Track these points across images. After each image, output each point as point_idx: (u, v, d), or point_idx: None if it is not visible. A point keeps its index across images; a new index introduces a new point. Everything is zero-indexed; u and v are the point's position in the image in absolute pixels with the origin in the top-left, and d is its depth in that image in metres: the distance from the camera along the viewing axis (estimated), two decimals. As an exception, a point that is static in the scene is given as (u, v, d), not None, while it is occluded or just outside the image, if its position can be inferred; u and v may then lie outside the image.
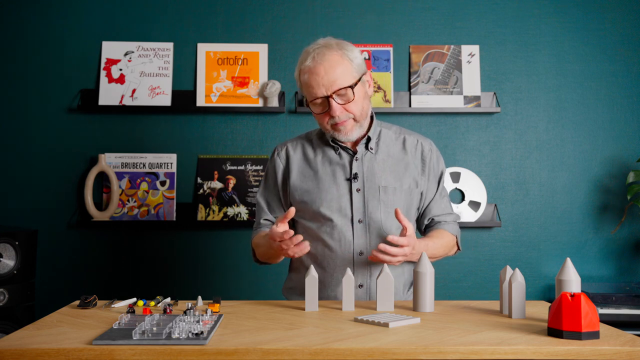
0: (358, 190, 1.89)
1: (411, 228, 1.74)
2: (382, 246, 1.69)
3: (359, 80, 1.84)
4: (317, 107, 1.84)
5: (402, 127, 2.05)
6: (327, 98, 1.80)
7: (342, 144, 1.92)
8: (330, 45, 1.83)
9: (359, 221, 1.87)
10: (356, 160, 1.91)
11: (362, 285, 1.86)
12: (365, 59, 2.09)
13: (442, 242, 1.91)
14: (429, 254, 1.85)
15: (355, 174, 1.89)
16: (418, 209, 1.98)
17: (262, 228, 2.00)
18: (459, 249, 2.03)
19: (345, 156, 1.92)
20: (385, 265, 1.65)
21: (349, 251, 1.86)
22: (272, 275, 3.08)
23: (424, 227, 2.01)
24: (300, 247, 1.70)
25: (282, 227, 1.74)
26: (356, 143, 1.94)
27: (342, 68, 1.80)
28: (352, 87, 1.81)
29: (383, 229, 1.87)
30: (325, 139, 1.96)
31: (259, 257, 1.99)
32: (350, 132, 1.86)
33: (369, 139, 1.92)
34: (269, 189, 2.01)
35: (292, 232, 1.67)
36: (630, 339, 1.32)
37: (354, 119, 1.85)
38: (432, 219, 1.98)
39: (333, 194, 1.88)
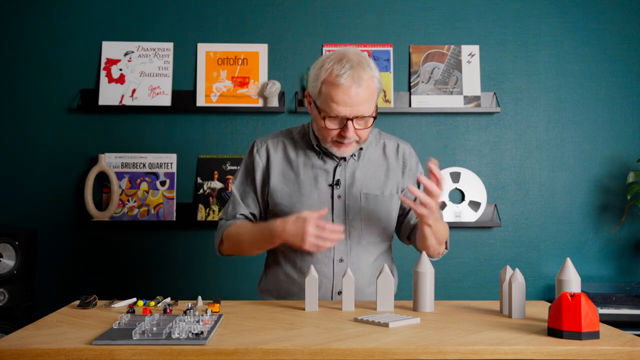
0: (339, 197, 1.87)
1: (438, 192, 1.71)
2: (418, 193, 1.68)
3: (376, 106, 1.82)
4: (332, 123, 1.78)
5: (382, 130, 2.02)
6: (347, 120, 1.76)
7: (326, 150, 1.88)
8: (362, 64, 1.76)
9: None
10: (339, 166, 1.88)
11: (341, 292, 1.84)
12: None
13: (442, 226, 1.87)
14: (439, 226, 1.82)
15: (338, 180, 1.87)
16: (400, 214, 1.95)
17: (236, 221, 1.92)
18: (447, 248, 1.97)
19: (329, 161, 1.89)
20: (385, 265, 1.65)
21: (329, 257, 1.85)
22: (272, 275, 3.08)
23: (409, 232, 1.96)
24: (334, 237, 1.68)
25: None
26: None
27: (371, 95, 1.76)
28: (374, 116, 1.79)
29: (363, 236, 1.87)
30: (307, 141, 1.92)
31: (228, 249, 1.93)
32: (349, 152, 1.84)
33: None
34: (245, 184, 1.95)
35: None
36: (630, 339, 1.32)
37: (358, 142, 1.83)
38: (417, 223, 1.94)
39: (314, 199, 1.86)
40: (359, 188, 1.88)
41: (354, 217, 1.86)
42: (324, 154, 1.89)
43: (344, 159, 1.89)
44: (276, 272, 1.93)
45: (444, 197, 3.14)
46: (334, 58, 1.77)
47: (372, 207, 1.88)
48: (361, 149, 1.91)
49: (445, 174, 3.15)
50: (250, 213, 1.95)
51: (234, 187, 1.97)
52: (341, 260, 1.85)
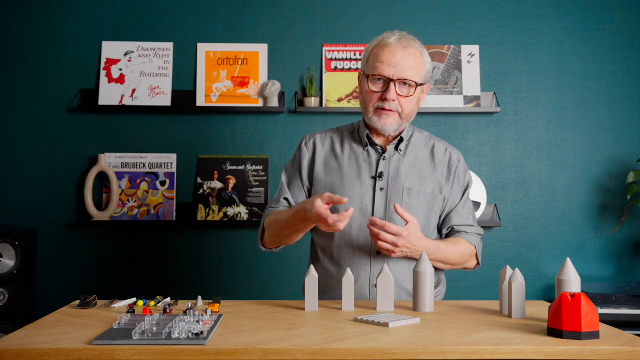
0: (382, 189, 1.87)
1: (414, 222, 1.72)
2: (377, 227, 1.68)
3: (423, 83, 1.85)
4: (375, 84, 1.82)
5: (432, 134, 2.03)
6: (390, 81, 1.79)
7: (372, 140, 1.90)
8: (415, 39, 1.85)
9: None
10: (384, 159, 1.89)
11: (377, 285, 1.84)
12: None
13: (457, 248, 1.87)
14: (441, 256, 1.82)
15: (381, 172, 1.88)
16: (440, 216, 1.95)
17: (279, 206, 1.96)
18: (478, 263, 1.97)
19: (373, 154, 1.91)
20: (385, 265, 1.64)
21: (366, 250, 1.85)
22: (273, 275, 3.09)
23: (444, 237, 1.97)
24: (346, 214, 1.65)
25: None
26: (387, 142, 1.92)
27: (418, 63, 1.82)
28: (417, 84, 1.81)
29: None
30: (355, 135, 1.95)
31: (270, 239, 1.94)
32: (390, 124, 1.84)
33: (400, 140, 1.90)
34: (293, 173, 1.99)
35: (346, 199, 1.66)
36: (630, 339, 1.32)
37: (400, 115, 1.83)
38: (452, 228, 1.94)
39: (356, 191, 1.87)
40: (402, 182, 1.88)
41: (394, 211, 1.84)
42: (370, 144, 1.91)
43: (387, 150, 1.89)
44: (317, 269, 1.93)
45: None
46: (388, 32, 1.86)
47: (414, 202, 1.87)
48: (407, 146, 1.92)
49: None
50: (296, 200, 1.96)
51: (283, 177, 2.01)
52: (378, 253, 1.85)
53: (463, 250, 1.89)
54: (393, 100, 1.80)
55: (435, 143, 1.97)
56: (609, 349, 1.26)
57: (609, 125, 3.21)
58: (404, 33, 1.84)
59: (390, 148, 1.90)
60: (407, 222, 1.72)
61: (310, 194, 1.96)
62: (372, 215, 1.85)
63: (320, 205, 1.67)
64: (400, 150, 1.91)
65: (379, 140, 1.92)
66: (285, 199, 1.97)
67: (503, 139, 3.20)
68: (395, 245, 1.70)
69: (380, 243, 1.71)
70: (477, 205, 3.13)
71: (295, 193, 1.97)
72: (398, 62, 1.78)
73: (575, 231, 3.18)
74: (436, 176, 1.92)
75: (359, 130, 1.95)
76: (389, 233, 1.70)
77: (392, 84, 1.79)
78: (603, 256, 3.18)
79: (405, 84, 1.80)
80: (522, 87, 3.21)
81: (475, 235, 1.94)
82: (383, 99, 1.80)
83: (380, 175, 1.88)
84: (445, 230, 1.95)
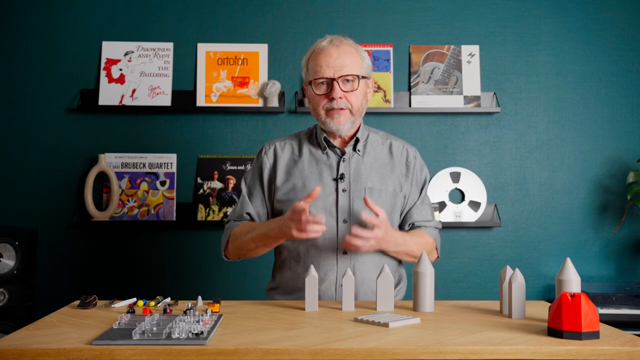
0: (344, 190, 1.90)
1: (383, 213, 1.75)
2: (355, 230, 1.70)
3: (365, 77, 1.88)
4: (319, 88, 1.86)
5: (388, 133, 2.07)
6: (332, 81, 1.83)
7: (331, 143, 1.93)
8: (347, 38, 1.91)
9: (344, 221, 1.88)
10: (343, 161, 1.92)
11: (342, 286, 1.85)
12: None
13: (420, 240, 1.91)
14: (407, 249, 1.86)
15: (342, 174, 1.91)
16: (401, 213, 1.99)
17: (242, 221, 1.97)
18: (438, 256, 2.02)
19: (333, 156, 1.94)
20: (385, 265, 1.65)
21: (332, 251, 1.87)
22: (272, 275, 3.08)
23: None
24: (316, 225, 1.68)
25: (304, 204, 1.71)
26: (344, 144, 1.95)
27: (354, 58, 1.87)
28: (359, 76, 1.86)
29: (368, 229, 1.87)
30: (313, 139, 1.98)
31: (233, 250, 1.95)
32: (343, 123, 1.87)
33: (357, 141, 1.94)
34: (253, 184, 2.00)
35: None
36: (630, 339, 1.32)
37: (350, 111, 1.87)
38: (413, 224, 1.99)
39: (319, 194, 1.88)
40: (364, 182, 1.91)
41: (358, 211, 1.88)
42: (328, 147, 1.93)
43: (345, 152, 1.92)
44: (283, 270, 1.96)
45: (444, 197, 3.14)
46: (320, 38, 1.92)
47: (376, 201, 1.89)
48: (365, 146, 1.96)
49: (445, 174, 3.15)
50: (257, 213, 1.99)
51: (243, 189, 2.02)
52: (345, 253, 1.87)
53: (425, 243, 1.94)
54: (340, 97, 1.84)
55: (392, 141, 2.01)
56: (609, 349, 1.26)
57: (609, 125, 3.21)
58: (334, 35, 1.90)
59: (349, 149, 1.93)
60: (377, 214, 1.74)
61: (272, 203, 1.97)
62: (337, 215, 1.87)
63: (299, 204, 1.68)
64: (359, 151, 1.94)
65: (336, 142, 1.95)
66: (248, 213, 1.98)
67: (503, 139, 3.20)
68: (377, 238, 1.72)
69: (363, 243, 1.72)
70: (477, 205, 3.13)
71: (257, 205, 1.99)
72: (335, 61, 1.84)
73: (575, 231, 3.18)
74: (395, 174, 1.95)
75: (316, 135, 1.97)
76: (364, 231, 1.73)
77: (335, 83, 1.84)
78: (603, 256, 3.18)
79: (347, 80, 1.85)
80: (522, 87, 3.21)
81: (434, 229, 2.00)
82: (330, 99, 1.85)
83: (342, 177, 1.90)
84: (407, 227, 1.99)
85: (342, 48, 1.86)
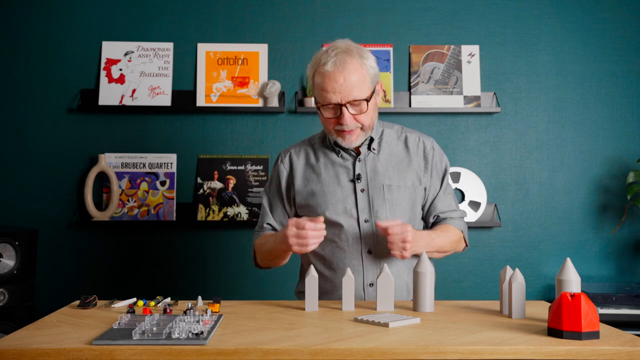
0: (362, 190, 1.89)
1: (396, 221, 1.76)
2: (385, 226, 1.72)
3: (373, 91, 1.84)
4: (328, 112, 1.83)
5: (404, 126, 2.05)
6: (340, 106, 1.80)
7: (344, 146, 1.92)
8: (350, 51, 1.81)
9: (365, 221, 1.87)
10: (359, 161, 1.91)
11: (372, 284, 1.86)
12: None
13: (447, 234, 1.90)
14: (436, 245, 1.86)
15: (359, 174, 1.90)
16: (422, 206, 1.98)
17: (263, 232, 2.00)
18: (466, 245, 2.02)
19: (348, 158, 1.93)
20: (385, 265, 1.65)
21: (357, 251, 1.87)
22: (273, 275, 3.08)
23: (430, 225, 2.00)
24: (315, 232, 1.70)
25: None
26: (359, 144, 1.93)
27: (360, 78, 1.79)
28: (367, 100, 1.81)
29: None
30: (327, 143, 1.97)
31: (260, 261, 1.99)
32: (354, 141, 1.87)
33: (371, 140, 1.93)
34: (272, 194, 2.02)
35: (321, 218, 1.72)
36: (630, 339, 1.32)
37: (362, 129, 1.85)
38: (438, 216, 1.98)
39: (338, 196, 1.89)
40: (381, 180, 1.90)
41: (379, 209, 1.88)
42: (343, 150, 1.93)
43: (360, 152, 1.91)
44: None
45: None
46: (323, 49, 1.85)
47: (396, 197, 1.89)
48: (380, 143, 1.94)
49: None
50: (279, 222, 2.00)
51: (263, 200, 2.04)
52: (369, 252, 1.87)
53: (453, 236, 1.93)
54: (349, 123, 1.82)
55: (407, 135, 1.99)
56: (609, 349, 1.26)
57: (609, 125, 3.21)
58: (338, 48, 1.80)
59: (363, 149, 1.92)
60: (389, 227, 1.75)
61: (294, 209, 1.98)
62: (358, 216, 1.88)
63: (292, 234, 1.71)
64: (374, 149, 1.93)
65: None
66: (269, 224, 2.00)
67: (503, 139, 3.20)
68: (405, 241, 1.72)
69: (392, 245, 1.73)
70: (477, 205, 3.13)
71: (278, 215, 2.00)
72: (341, 87, 1.78)
73: (575, 231, 3.18)
74: (413, 168, 1.94)
75: (329, 138, 1.96)
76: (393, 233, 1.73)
77: (343, 109, 1.80)
78: (603, 256, 3.18)
79: (356, 103, 1.81)
80: (522, 87, 3.21)
81: (460, 219, 1.99)
82: (340, 123, 1.82)
83: (359, 177, 1.90)
84: (431, 218, 1.98)
85: (346, 70, 1.77)
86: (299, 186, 1.95)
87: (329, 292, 1.90)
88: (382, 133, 1.97)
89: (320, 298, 1.89)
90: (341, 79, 1.77)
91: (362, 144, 1.92)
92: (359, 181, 1.90)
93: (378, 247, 1.87)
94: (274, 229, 2.00)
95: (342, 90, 1.78)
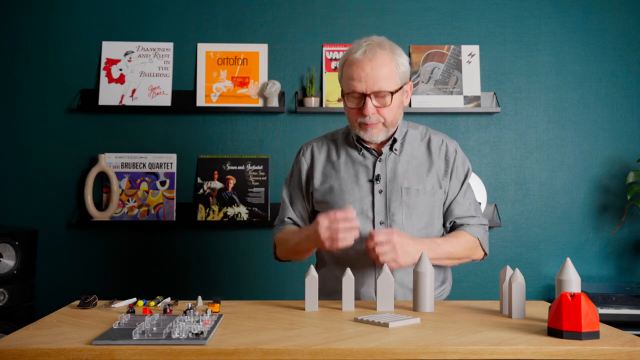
0: (380, 191, 1.87)
1: (392, 230, 1.74)
2: (369, 240, 1.70)
3: (400, 87, 1.82)
4: (352, 102, 1.82)
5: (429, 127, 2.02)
6: (365, 96, 1.79)
7: (367, 145, 1.90)
8: (383, 45, 1.81)
9: (381, 223, 1.85)
10: (379, 161, 1.89)
11: (377, 285, 1.84)
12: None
13: (458, 241, 1.86)
14: (442, 252, 1.82)
15: (378, 175, 1.88)
16: (444, 210, 1.95)
17: (284, 225, 1.99)
18: (485, 253, 1.96)
19: (369, 157, 1.91)
20: (385, 265, 1.65)
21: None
22: (273, 275, 3.08)
23: (448, 230, 1.97)
24: (350, 234, 1.68)
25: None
26: (381, 144, 1.91)
27: (389, 71, 1.78)
28: (392, 92, 1.79)
29: (404, 230, 1.84)
30: (349, 140, 1.95)
31: (281, 255, 1.98)
32: (376, 135, 1.84)
33: (394, 141, 1.90)
34: (293, 187, 2.00)
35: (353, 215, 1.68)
36: (630, 339, 1.32)
37: (384, 124, 1.83)
38: (454, 222, 1.94)
39: (355, 195, 1.87)
40: (400, 182, 1.87)
41: (395, 212, 1.85)
42: (365, 149, 1.91)
43: (382, 152, 1.89)
44: (323, 272, 1.94)
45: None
46: (357, 40, 1.84)
47: (414, 201, 1.86)
48: (402, 144, 1.91)
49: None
50: (299, 216, 1.99)
51: (284, 192, 2.03)
52: None
53: (465, 242, 1.87)
54: (372, 114, 1.80)
55: (431, 136, 1.96)
56: (609, 349, 1.26)
57: (609, 125, 3.21)
58: (372, 41, 1.81)
59: (385, 149, 1.90)
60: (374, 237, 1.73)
61: (311, 204, 1.97)
62: (373, 217, 1.86)
63: (324, 226, 1.69)
64: (396, 150, 1.91)
65: (372, 144, 1.91)
66: (290, 218, 1.99)
67: (503, 139, 3.20)
68: (394, 248, 1.69)
69: (379, 254, 1.70)
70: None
71: (298, 209, 1.99)
72: (367, 76, 1.77)
73: (575, 231, 3.18)
74: (434, 171, 1.90)
75: (352, 135, 1.94)
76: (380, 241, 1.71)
77: (367, 99, 1.78)
78: (603, 256, 3.18)
79: (381, 95, 1.79)
80: (522, 87, 3.21)
81: (478, 226, 1.93)
82: (362, 114, 1.80)
83: (377, 178, 1.88)
84: (448, 224, 1.94)
85: (375, 61, 1.77)
86: (317, 181, 1.93)
87: (340, 291, 1.85)
88: (406, 134, 1.94)
89: (332, 297, 1.87)
90: (368, 68, 1.77)
91: (384, 143, 1.90)
92: (378, 182, 1.87)
93: None
94: (294, 222, 1.98)
95: (368, 80, 1.77)
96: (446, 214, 1.94)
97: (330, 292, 1.90)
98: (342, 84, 1.86)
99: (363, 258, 1.84)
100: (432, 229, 1.91)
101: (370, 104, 1.78)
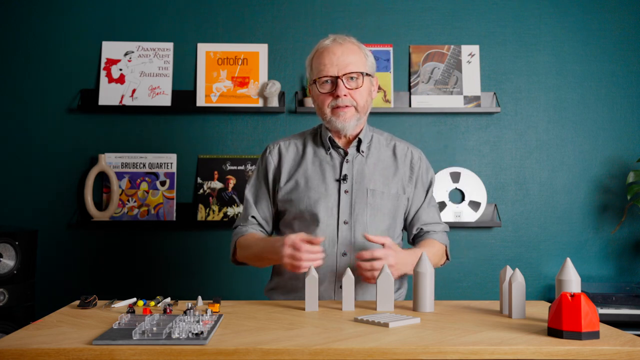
0: (346, 191, 1.89)
1: (388, 240, 1.75)
2: (364, 264, 1.71)
3: (369, 75, 1.88)
4: (324, 87, 1.86)
5: (393, 134, 2.07)
6: (337, 79, 1.83)
7: (335, 143, 1.93)
8: (350, 37, 1.91)
9: (345, 222, 1.87)
10: (347, 162, 1.92)
11: (342, 286, 1.85)
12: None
13: (433, 250, 1.91)
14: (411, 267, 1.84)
15: (345, 175, 1.90)
16: (405, 217, 1.99)
17: (248, 226, 1.98)
18: (447, 259, 2.03)
19: (336, 157, 1.93)
20: (386, 265, 1.65)
21: (332, 251, 1.86)
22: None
23: (413, 236, 2.01)
24: (315, 261, 1.70)
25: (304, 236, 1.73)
26: (348, 144, 1.94)
27: (358, 56, 1.87)
28: (363, 74, 1.85)
29: (368, 231, 1.87)
30: (317, 139, 1.98)
31: (241, 258, 1.97)
32: (348, 120, 1.87)
33: (360, 141, 1.93)
34: (258, 186, 2.00)
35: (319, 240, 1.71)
36: (630, 339, 1.32)
37: (356, 109, 1.87)
38: (421, 229, 1.98)
39: (321, 194, 1.89)
40: (366, 184, 1.90)
41: (360, 212, 1.88)
42: (333, 147, 1.93)
43: (348, 152, 1.92)
44: (282, 271, 1.95)
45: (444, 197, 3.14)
46: (324, 37, 1.92)
47: (379, 203, 1.89)
48: (369, 147, 1.95)
49: (445, 174, 3.15)
50: (263, 217, 1.99)
51: (248, 192, 2.02)
52: (344, 254, 1.87)
53: (437, 251, 1.94)
54: (345, 95, 1.84)
55: (396, 143, 2.00)
56: (609, 349, 1.26)
57: (609, 125, 3.21)
58: (337, 34, 1.91)
59: (352, 150, 1.93)
60: (383, 244, 1.74)
61: (276, 203, 1.97)
62: (338, 217, 1.87)
63: (295, 237, 1.70)
64: (362, 152, 1.93)
65: (341, 143, 1.94)
66: (253, 217, 1.99)
67: (503, 139, 3.20)
68: (391, 266, 1.71)
69: (371, 274, 1.71)
70: (477, 205, 3.13)
71: (263, 209, 1.99)
72: (339, 59, 1.84)
73: (575, 231, 3.18)
74: (399, 176, 1.94)
75: (321, 134, 1.97)
76: (375, 258, 1.72)
77: (339, 81, 1.83)
78: (603, 256, 3.18)
79: (352, 77, 1.85)
80: (522, 87, 3.21)
81: (443, 233, 2.00)
82: (335, 96, 1.84)
83: (344, 178, 1.90)
84: (414, 230, 1.98)
85: (345, 46, 1.86)
86: (284, 179, 1.94)
87: (300, 289, 1.86)
88: (372, 138, 1.98)
89: (290, 295, 1.90)
90: (339, 51, 1.85)
91: (350, 142, 1.93)
92: (345, 182, 1.90)
93: (354, 250, 1.86)
94: (258, 223, 1.99)
95: (340, 62, 1.83)
96: (413, 221, 1.98)
97: (290, 289, 1.91)
98: (312, 73, 1.91)
99: (326, 257, 1.83)
100: (394, 232, 1.95)
101: (342, 85, 1.84)
